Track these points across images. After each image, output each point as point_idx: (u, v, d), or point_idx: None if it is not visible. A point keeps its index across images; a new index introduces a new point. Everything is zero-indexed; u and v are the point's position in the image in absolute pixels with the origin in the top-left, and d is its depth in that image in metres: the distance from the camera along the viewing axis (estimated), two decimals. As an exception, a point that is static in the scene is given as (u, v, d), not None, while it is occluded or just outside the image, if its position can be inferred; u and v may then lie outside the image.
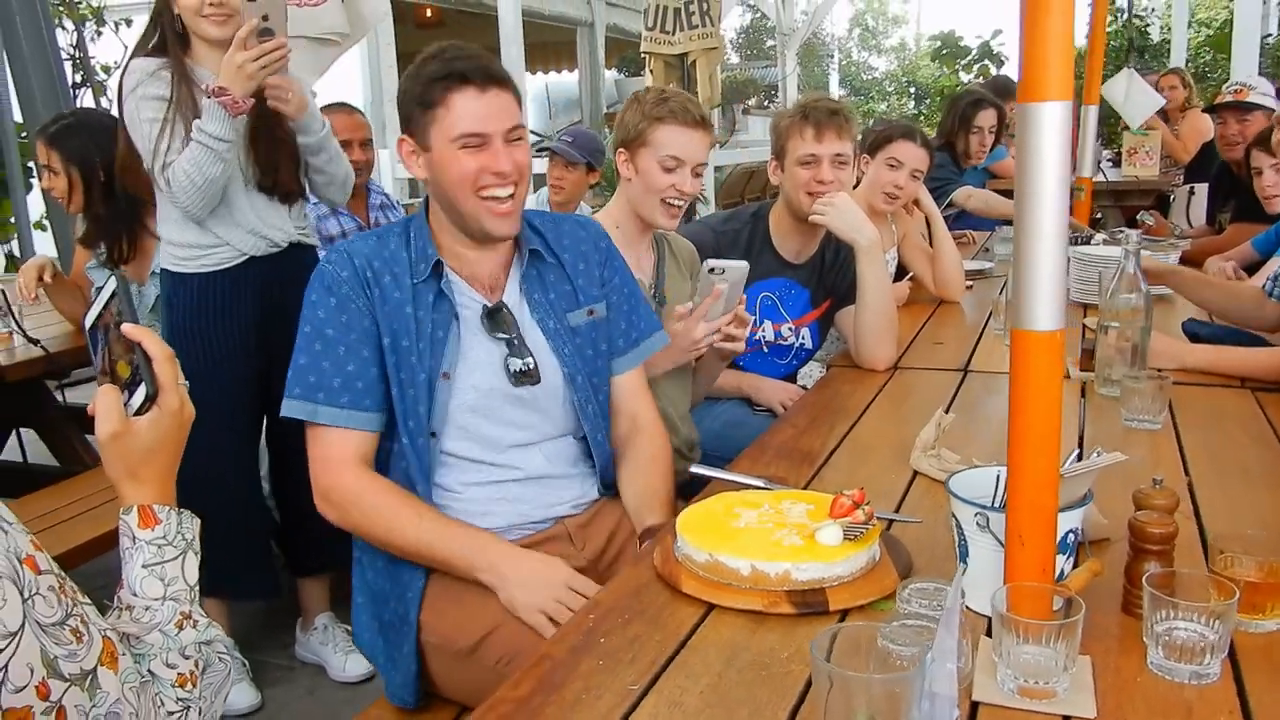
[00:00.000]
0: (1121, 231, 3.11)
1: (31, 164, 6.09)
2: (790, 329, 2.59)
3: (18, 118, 5.68)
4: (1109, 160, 6.94)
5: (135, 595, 0.95)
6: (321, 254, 3.14)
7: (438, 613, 1.62)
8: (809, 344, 2.64)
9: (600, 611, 1.28)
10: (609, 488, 1.83)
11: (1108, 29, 5.21)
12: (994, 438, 1.89)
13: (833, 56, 19.08)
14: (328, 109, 3.65)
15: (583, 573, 1.68)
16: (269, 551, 2.70)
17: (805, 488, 1.68)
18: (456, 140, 1.60)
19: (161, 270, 2.52)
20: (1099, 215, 6.43)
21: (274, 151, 2.43)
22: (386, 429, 1.64)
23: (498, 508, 1.69)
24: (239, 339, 2.47)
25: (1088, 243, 3.39)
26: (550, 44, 11.95)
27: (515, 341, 1.69)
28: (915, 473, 1.73)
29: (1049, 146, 1.05)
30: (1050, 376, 1.10)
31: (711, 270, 2.03)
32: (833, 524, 1.33)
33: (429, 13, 11.16)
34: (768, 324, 2.57)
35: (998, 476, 1.23)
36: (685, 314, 2.04)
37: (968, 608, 1.18)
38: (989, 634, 1.13)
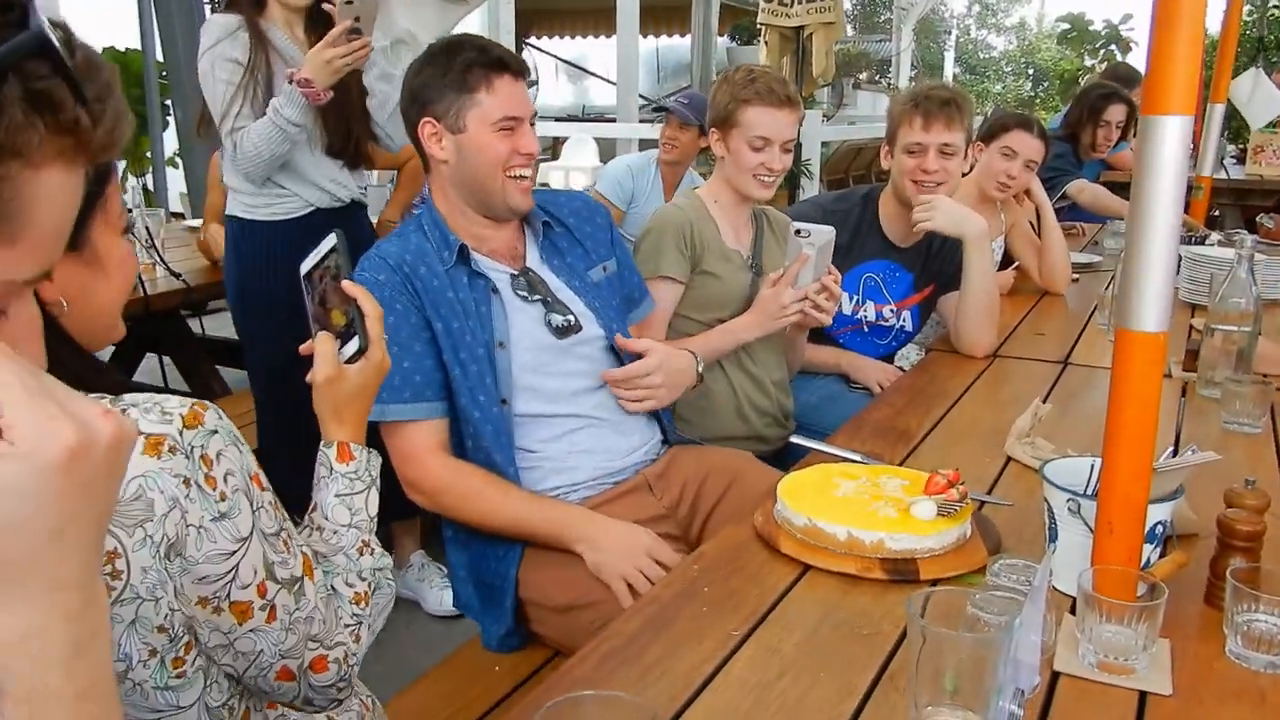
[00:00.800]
0: (1238, 234, 3.07)
1: (169, 101, 6.40)
2: (892, 310, 2.65)
3: (158, 56, 5.98)
4: (1233, 158, 6.73)
5: (326, 519, 1.09)
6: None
7: (535, 572, 1.74)
8: (909, 326, 2.69)
9: (704, 563, 1.39)
10: (666, 437, 1.95)
11: (1243, 19, 5.05)
12: (1089, 430, 1.93)
13: (950, 33, 18.64)
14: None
15: (662, 520, 1.80)
16: None
17: (901, 465, 1.75)
18: (496, 123, 1.73)
19: (229, 217, 2.63)
20: (1217, 213, 6.26)
21: (346, 121, 2.54)
22: (458, 410, 1.74)
23: (578, 460, 1.82)
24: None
25: (1201, 243, 3.35)
26: (662, 7, 11.96)
27: (550, 300, 1.81)
28: (1009, 458, 1.79)
29: (1169, 158, 1.10)
30: (1150, 376, 1.15)
31: (798, 233, 2.11)
32: (927, 500, 1.41)
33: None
34: (870, 304, 2.63)
35: (1092, 466, 1.29)
36: (775, 279, 2.13)
37: (1054, 587, 1.25)
38: (1073, 612, 1.20)
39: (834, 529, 1.37)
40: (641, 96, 10.16)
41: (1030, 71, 20.15)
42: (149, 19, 5.87)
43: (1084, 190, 4.47)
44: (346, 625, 1.03)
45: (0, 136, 0.55)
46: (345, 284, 1.10)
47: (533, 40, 12.75)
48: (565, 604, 1.68)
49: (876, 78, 16.12)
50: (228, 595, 0.92)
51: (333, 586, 1.04)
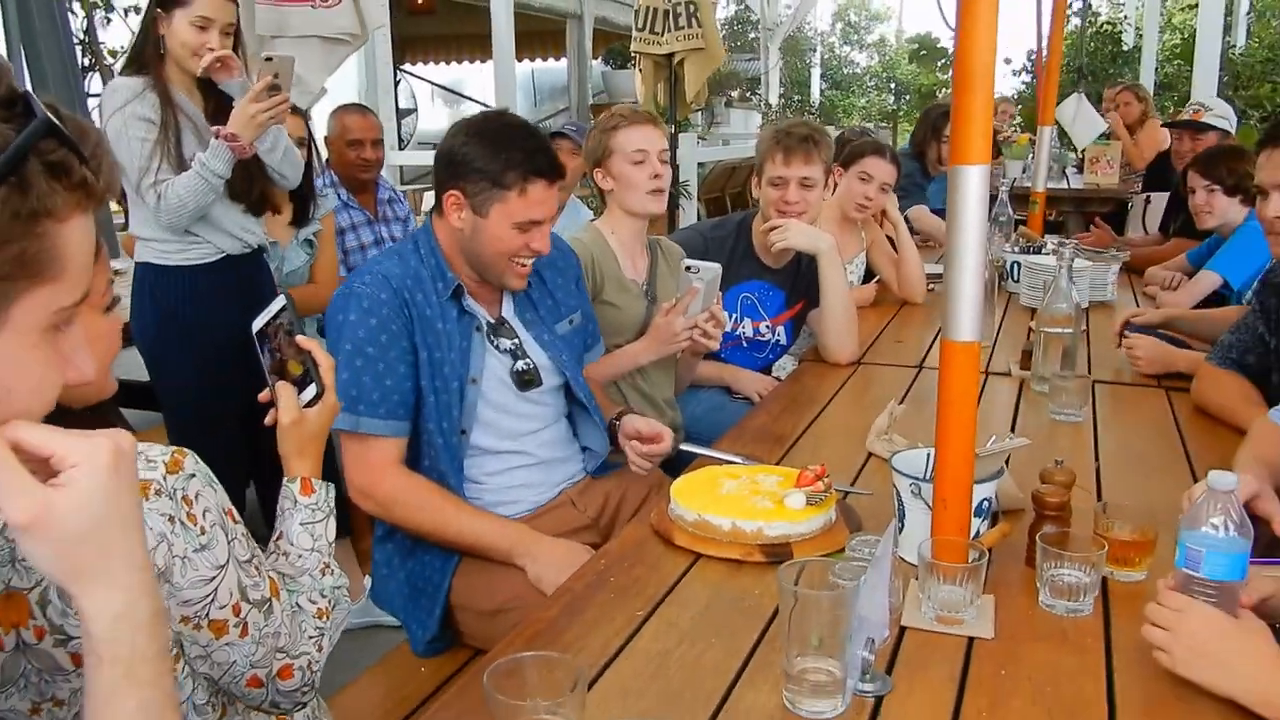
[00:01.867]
0: (1061, 244, 3.44)
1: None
2: (767, 326, 2.90)
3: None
4: (1074, 167, 7.29)
5: (291, 545, 1.24)
6: (331, 211, 3.40)
7: (468, 577, 1.91)
8: (784, 340, 2.95)
9: (610, 558, 1.59)
10: (604, 465, 2.14)
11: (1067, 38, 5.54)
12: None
13: (815, 50, 19.32)
14: (343, 109, 3.93)
15: (585, 530, 2.00)
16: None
17: (777, 464, 1.98)
18: (519, 224, 1.86)
19: (141, 265, 2.71)
20: (1061, 219, 6.79)
21: (247, 169, 2.65)
22: (421, 432, 1.89)
23: (517, 494, 2.01)
24: (229, 330, 2.57)
25: (1038, 252, 3.71)
26: (536, 32, 12.17)
27: (518, 350, 1.99)
28: (870, 454, 2.05)
29: (973, 199, 1.35)
30: (968, 376, 1.40)
31: (688, 269, 2.34)
32: (798, 492, 1.64)
33: (420, 0, 11.36)
34: (748, 321, 2.88)
35: (928, 455, 1.53)
36: (668, 310, 2.35)
37: (902, 558, 1.49)
38: (916, 578, 1.44)
39: (719, 521, 1.59)
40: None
41: (892, 86, 21.07)
42: (18, 63, 5.79)
43: (920, 219, 4.70)
44: (310, 637, 1.19)
45: (34, 204, 0.71)
46: (300, 339, 1.26)
47: (407, 67, 12.79)
48: (494, 608, 1.85)
49: (748, 95, 16.59)
50: (207, 614, 1.08)
51: (297, 604, 1.20)
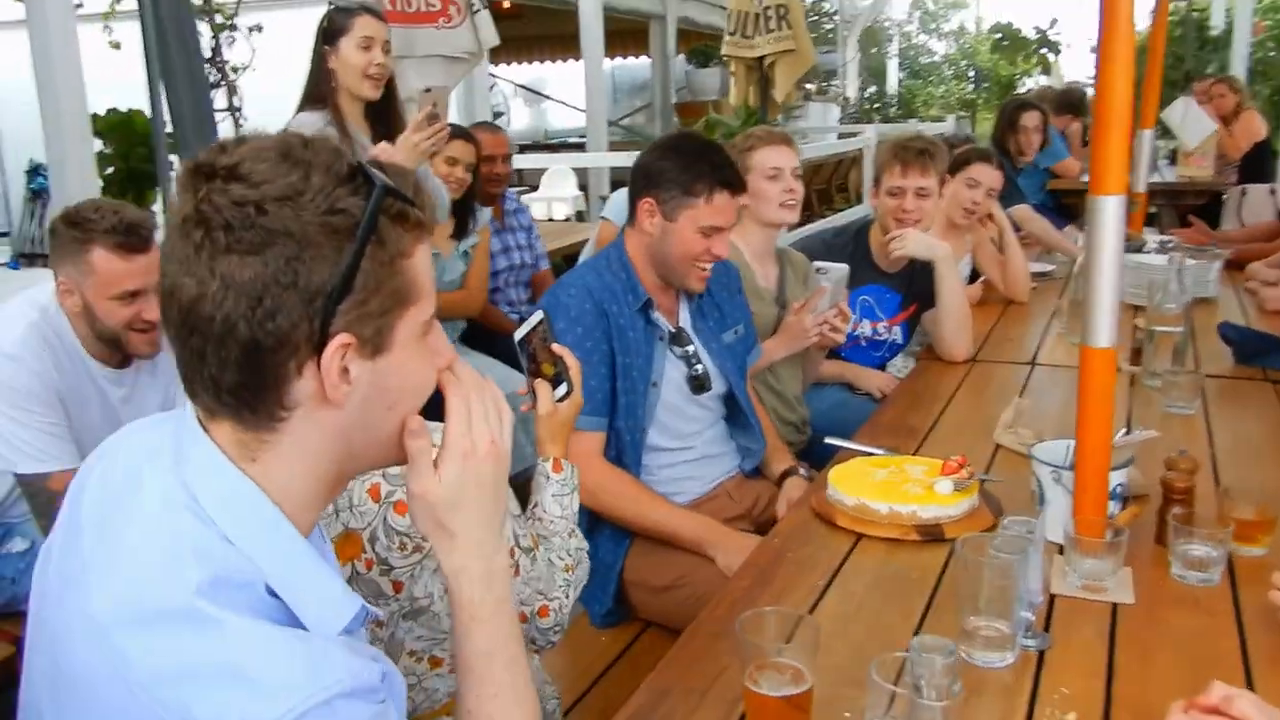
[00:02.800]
0: (1169, 243, 3.57)
1: (172, 158, 6.74)
2: (885, 327, 3.10)
3: (165, 117, 6.32)
4: (1165, 159, 7.31)
5: (545, 512, 1.50)
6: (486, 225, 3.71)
7: (640, 557, 2.16)
8: (900, 339, 3.15)
9: (782, 537, 1.83)
10: (756, 469, 2.37)
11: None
12: (1058, 418, 2.39)
13: (892, 40, 19.28)
14: (476, 127, 4.22)
15: (739, 519, 2.23)
16: None
17: (914, 454, 2.19)
18: (703, 229, 2.11)
19: None
20: (1154, 211, 6.83)
21: None
22: (611, 426, 2.14)
23: (683, 485, 2.25)
24: None
25: (1139, 251, 3.84)
26: (617, 30, 12.41)
27: (693, 358, 2.23)
28: (998, 445, 2.25)
29: (1111, 227, 1.55)
30: (1106, 378, 1.61)
31: (818, 270, 2.56)
32: (945, 479, 1.86)
33: (507, 4, 11.68)
34: (866, 322, 3.09)
35: (1068, 446, 1.73)
36: (798, 308, 2.58)
37: (1045, 537, 1.70)
38: (1060, 553, 1.64)
39: (877, 505, 1.82)
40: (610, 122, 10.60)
41: (971, 74, 20.94)
42: (156, 82, 6.20)
43: (1028, 221, 4.79)
44: (559, 587, 1.46)
45: (393, 250, 0.91)
46: (555, 346, 1.52)
47: (494, 69, 13.15)
48: (665, 584, 2.10)
49: (825, 87, 16.65)
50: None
51: (550, 559, 1.47)
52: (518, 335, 1.59)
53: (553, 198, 7.83)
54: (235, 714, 0.79)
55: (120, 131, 7.66)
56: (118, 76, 6.52)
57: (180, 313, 0.88)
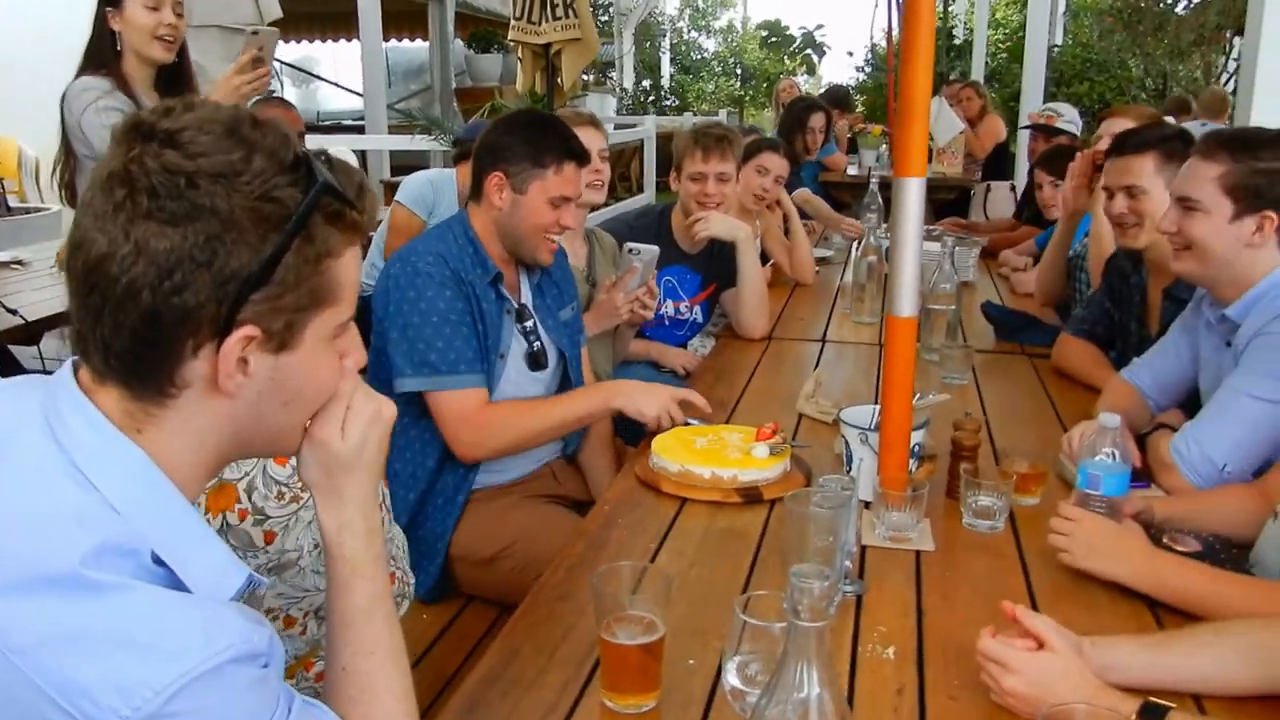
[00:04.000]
0: (935, 231, 3.89)
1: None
2: (686, 306, 3.22)
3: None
4: (922, 156, 7.90)
5: None
6: None
7: (466, 534, 2.16)
8: (700, 318, 3.28)
9: (611, 505, 1.88)
10: (571, 455, 2.42)
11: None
12: (849, 389, 2.58)
13: (665, 35, 19.77)
14: (266, 103, 4.03)
15: (560, 500, 2.27)
16: None
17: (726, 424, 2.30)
18: (553, 199, 2.14)
19: None
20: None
21: None
22: None
23: (507, 464, 2.25)
24: None
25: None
26: (395, 11, 12.10)
27: (531, 333, 2.25)
28: (800, 415, 2.39)
29: (913, 205, 1.70)
30: (908, 344, 1.76)
31: (630, 250, 2.64)
32: (761, 445, 1.97)
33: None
34: (669, 302, 3.20)
35: (872, 410, 1.88)
36: (609, 286, 2.65)
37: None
38: (868, 508, 1.78)
39: (700, 470, 1.90)
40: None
41: (739, 71, 21.76)
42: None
43: (808, 201, 5.12)
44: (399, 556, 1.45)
45: (320, 249, 0.90)
46: None
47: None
48: (490, 555, 2.11)
49: (603, 78, 16.88)
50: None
51: None
52: None
53: (333, 179, 7.57)
54: (123, 680, 0.76)
55: None
56: None
57: (84, 267, 0.84)
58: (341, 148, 7.83)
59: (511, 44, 7.23)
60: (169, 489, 0.87)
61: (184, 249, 0.82)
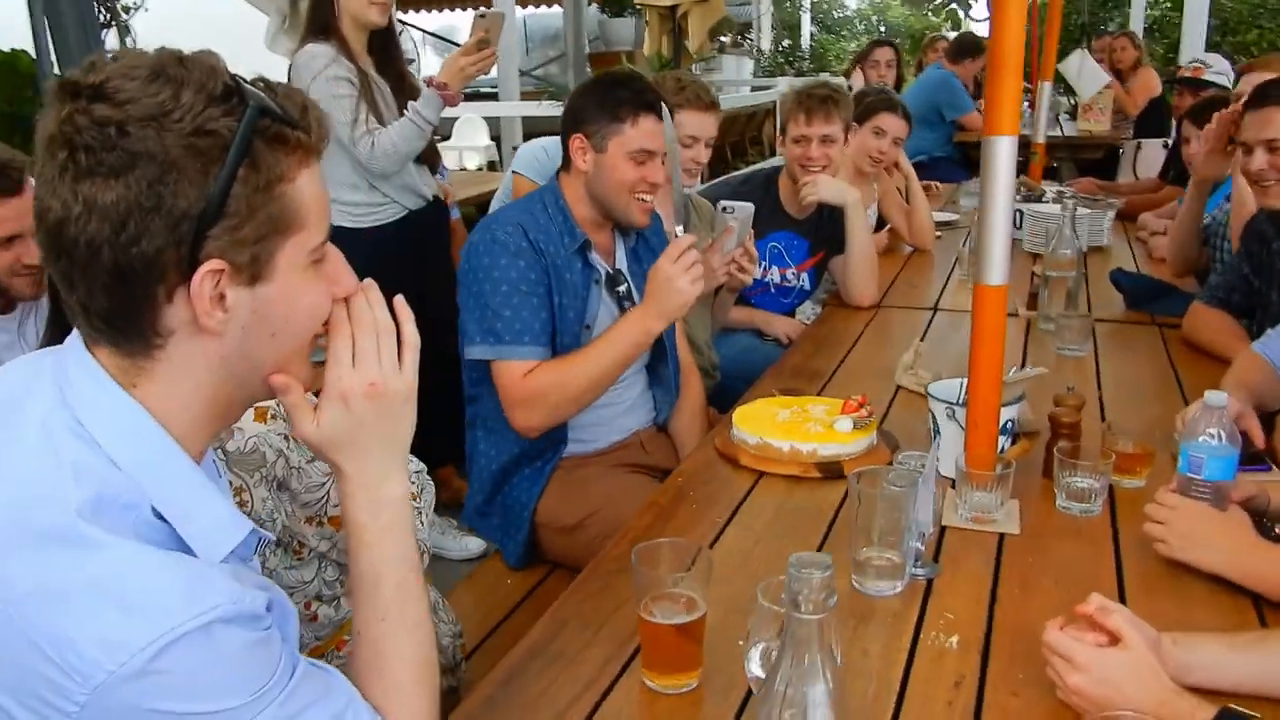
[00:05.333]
0: (1062, 193, 3.67)
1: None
2: (793, 273, 3.13)
3: (53, 59, 6.01)
4: (1066, 114, 7.48)
5: None
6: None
7: (551, 501, 2.16)
8: (807, 286, 3.18)
9: (685, 477, 1.84)
10: (663, 424, 2.38)
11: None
12: (956, 360, 2.44)
13: (805, -7, 19.31)
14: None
15: (648, 470, 2.24)
16: None
17: (818, 396, 2.23)
18: (632, 153, 2.08)
19: (332, 228, 2.99)
20: (1055, 165, 7.01)
21: None
22: None
23: (596, 433, 2.24)
24: (410, 277, 2.99)
25: (1039, 200, 3.94)
26: (531, -21, 12.21)
27: (625, 299, 2.20)
28: (898, 386, 2.29)
29: (1003, 165, 1.59)
30: (997, 315, 1.65)
31: (724, 209, 2.57)
32: (845, 418, 1.89)
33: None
34: (775, 269, 3.11)
35: (961, 383, 1.78)
36: (706, 249, 2.59)
37: (939, 472, 1.74)
38: (953, 487, 1.69)
39: (779, 443, 1.84)
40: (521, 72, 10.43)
41: (882, 30, 21.08)
42: (40, 20, 5.90)
43: None
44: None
45: (268, 175, 0.88)
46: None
47: (404, 16, 12.83)
48: (573, 523, 2.10)
49: (740, 40, 16.61)
50: (325, 513, 1.32)
51: None
52: None
53: (464, 147, 7.70)
54: (108, 636, 0.77)
55: (3, 73, 7.28)
56: (6, 14, 6.18)
57: (48, 235, 0.85)
58: (470, 115, 7.97)
59: (639, 6, 7.20)
60: (167, 443, 0.88)
61: (130, 198, 0.82)
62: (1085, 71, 5.91)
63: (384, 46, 3.03)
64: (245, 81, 0.89)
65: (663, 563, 1.25)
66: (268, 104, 0.88)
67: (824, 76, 3.77)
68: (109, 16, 6.36)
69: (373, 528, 1.00)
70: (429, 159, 3.10)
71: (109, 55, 0.87)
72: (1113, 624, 1.14)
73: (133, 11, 6.48)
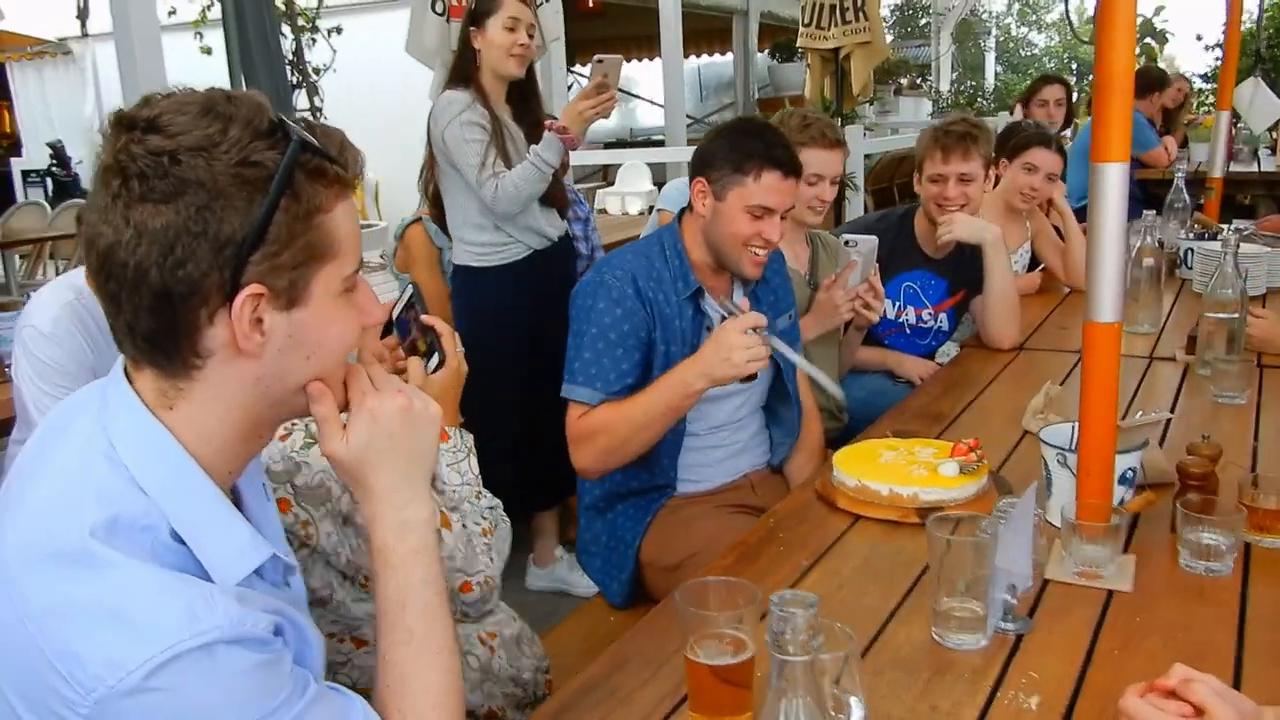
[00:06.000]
0: (1245, 230, 3.40)
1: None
2: (930, 314, 3.02)
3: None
4: (1267, 149, 6.96)
5: (445, 483, 1.47)
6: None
7: (654, 540, 2.14)
8: (945, 327, 3.06)
9: (778, 518, 1.79)
10: (778, 465, 2.32)
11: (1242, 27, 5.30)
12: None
13: (989, 33, 18.76)
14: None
15: (754, 511, 2.18)
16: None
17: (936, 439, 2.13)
18: (750, 207, 2.06)
19: (459, 267, 3.16)
20: (1252, 203, 6.51)
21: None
22: None
23: (706, 474, 2.21)
24: (526, 317, 3.12)
25: (1214, 238, 3.65)
26: (702, 29, 12.39)
27: None
28: (1025, 431, 2.16)
29: (1113, 194, 1.48)
30: (1110, 354, 1.53)
31: (847, 243, 2.50)
32: (951, 461, 1.79)
33: (590, 3, 11.74)
34: (911, 309, 3.01)
35: (1073, 428, 1.66)
36: (829, 284, 2.52)
37: (1049, 522, 1.63)
38: (1060, 538, 1.57)
39: (878, 486, 1.77)
40: (688, 116, 10.58)
41: (1074, 67, 20.23)
42: (239, 84, 6.42)
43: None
44: (480, 553, 1.44)
45: (307, 205, 0.92)
46: (424, 317, 1.45)
47: (578, 69, 13.23)
48: (676, 563, 2.07)
49: (918, 81, 16.30)
50: None
51: (465, 526, 1.45)
52: (394, 313, 1.47)
53: (627, 192, 7.82)
54: (111, 653, 0.80)
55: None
56: (211, 82, 6.77)
57: (98, 260, 0.91)
58: (635, 161, 8.11)
59: (801, 50, 7.18)
60: (190, 466, 0.92)
61: (179, 223, 0.87)
62: (1259, 100, 5.50)
63: (523, 97, 3.16)
64: (288, 120, 0.94)
65: (710, 602, 1.21)
66: (309, 139, 0.93)
67: (965, 113, 3.61)
68: (300, 78, 6.83)
69: (399, 550, 1.01)
70: (557, 202, 3.18)
71: (160, 94, 0.93)
72: (1197, 696, 1.03)
73: (323, 73, 6.93)
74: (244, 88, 5.42)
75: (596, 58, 2.94)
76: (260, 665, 0.86)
